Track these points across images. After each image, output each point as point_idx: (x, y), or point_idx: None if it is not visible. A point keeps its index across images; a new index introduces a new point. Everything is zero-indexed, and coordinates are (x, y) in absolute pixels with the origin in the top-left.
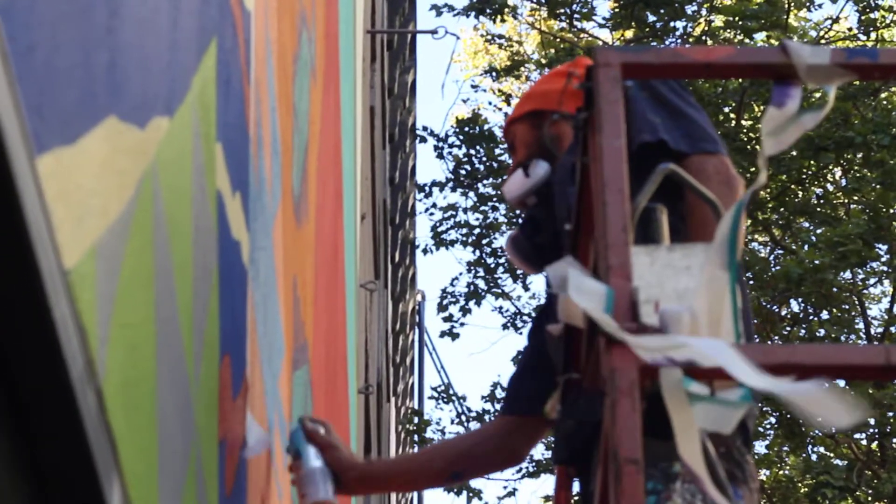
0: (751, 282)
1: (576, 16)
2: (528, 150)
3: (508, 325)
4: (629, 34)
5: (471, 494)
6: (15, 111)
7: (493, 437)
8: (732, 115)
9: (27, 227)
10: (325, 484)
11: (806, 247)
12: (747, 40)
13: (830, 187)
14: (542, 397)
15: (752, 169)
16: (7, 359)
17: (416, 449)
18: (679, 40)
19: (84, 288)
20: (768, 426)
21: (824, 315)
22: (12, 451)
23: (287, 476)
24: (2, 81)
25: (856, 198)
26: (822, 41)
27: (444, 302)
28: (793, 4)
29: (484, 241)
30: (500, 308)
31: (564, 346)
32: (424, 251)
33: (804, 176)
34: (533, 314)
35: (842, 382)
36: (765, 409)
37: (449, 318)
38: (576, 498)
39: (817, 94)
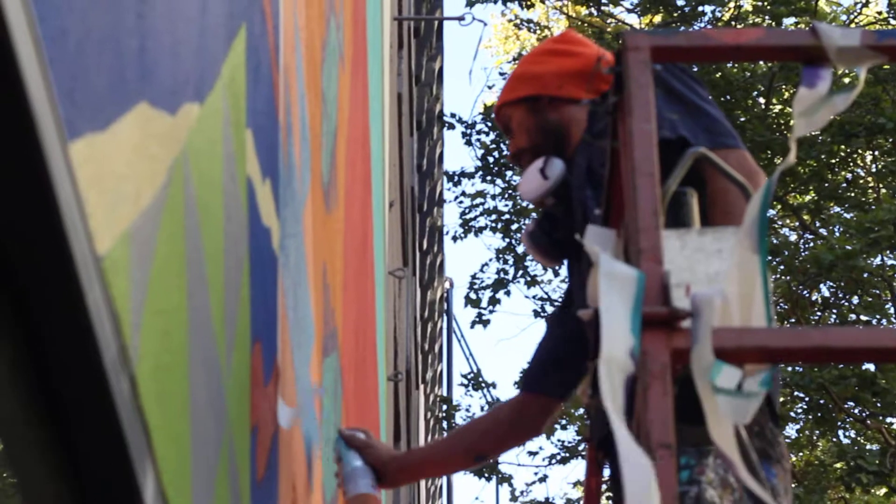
0: (780, 267)
1: (604, 1)
2: (529, 137)
3: (540, 311)
4: (657, 19)
5: (500, 479)
6: (47, 96)
7: (509, 417)
8: (762, 100)
9: (60, 212)
10: (363, 479)
11: (837, 232)
12: (776, 25)
13: (861, 172)
14: (565, 383)
15: (781, 148)
16: (41, 345)
17: (445, 435)
18: (708, 25)
19: (117, 274)
20: (799, 410)
21: (855, 300)
22: (46, 437)
23: (319, 466)
24: (34, 66)
25: (886, 182)
26: (852, 25)
27: (472, 294)
28: None
29: (513, 228)
30: (534, 297)
31: (595, 330)
32: (454, 238)
33: (834, 161)
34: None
35: (871, 366)
36: (796, 393)
37: (476, 303)
38: (606, 482)
39: (846, 80)
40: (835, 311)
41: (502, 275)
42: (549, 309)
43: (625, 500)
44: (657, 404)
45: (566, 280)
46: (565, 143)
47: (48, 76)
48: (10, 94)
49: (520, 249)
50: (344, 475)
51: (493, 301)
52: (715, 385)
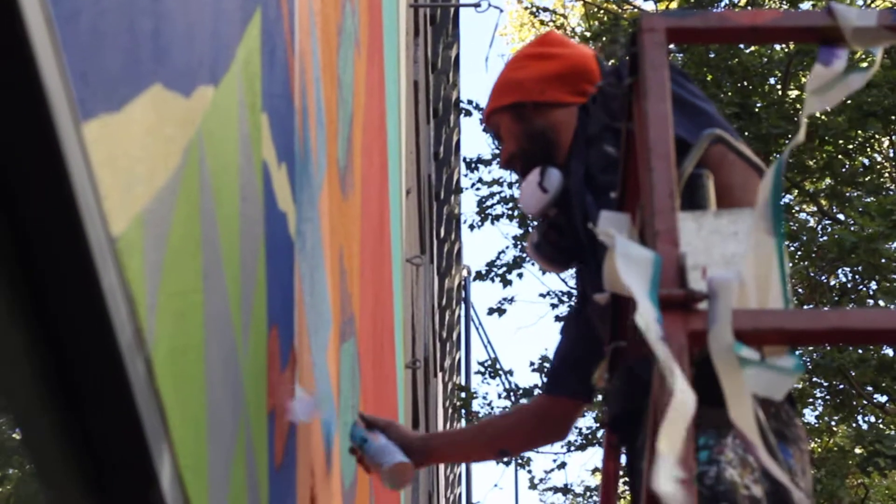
0: (798, 252)
1: None
2: (518, 143)
3: (553, 300)
4: (674, 5)
5: (519, 463)
6: (60, 76)
7: (534, 416)
8: (778, 86)
9: (74, 193)
10: (398, 451)
11: (856, 215)
12: (793, 9)
13: (878, 157)
14: (585, 384)
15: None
16: (56, 327)
17: (463, 423)
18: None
19: (132, 256)
20: (818, 395)
21: (873, 286)
22: (63, 419)
23: (337, 452)
24: (47, 46)
25: None
26: (870, 7)
27: (486, 273)
28: None
29: (530, 216)
30: (549, 292)
31: (611, 314)
32: (471, 227)
33: (850, 146)
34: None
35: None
36: (814, 379)
37: (503, 300)
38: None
39: (864, 64)
40: (853, 296)
41: (516, 261)
42: (566, 299)
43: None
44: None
45: (576, 283)
46: (555, 147)
47: (61, 56)
48: (23, 73)
49: None
50: (374, 450)
51: (505, 281)
52: (743, 359)
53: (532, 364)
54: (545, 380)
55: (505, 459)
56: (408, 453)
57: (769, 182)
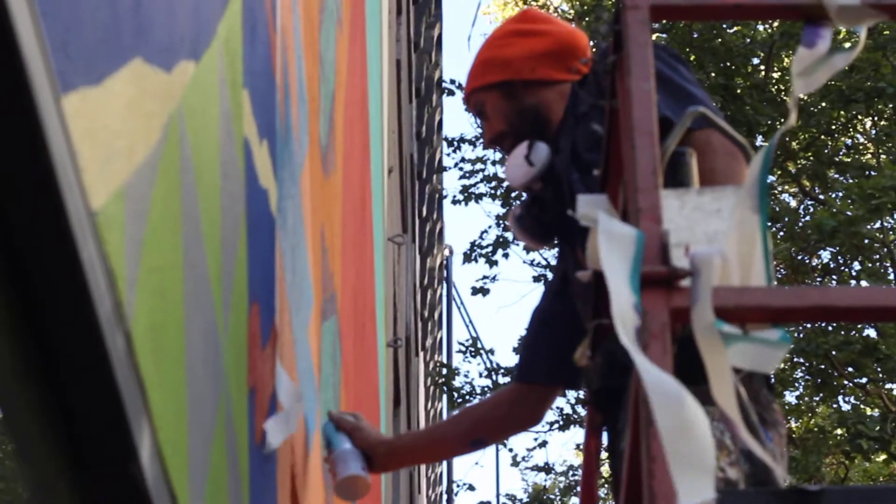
0: (781, 232)
1: None
2: (508, 121)
3: (540, 277)
4: None
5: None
6: (40, 48)
7: (507, 404)
8: (762, 66)
9: (53, 166)
10: (354, 461)
11: (838, 198)
12: None
13: (860, 138)
14: (556, 366)
15: (782, 119)
16: (36, 301)
17: (444, 401)
18: None
19: (112, 230)
20: (798, 375)
21: (856, 266)
22: (42, 394)
23: (317, 431)
24: (26, 18)
25: (885, 148)
26: None
27: (472, 254)
28: None
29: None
30: (532, 261)
31: (594, 292)
32: (454, 201)
33: (833, 127)
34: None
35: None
36: (795, 359)
37: (483, 278)
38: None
39: (847, 45)
40: (835, 276)
41: (500, 240)
42: (550, 275)
43: (660, 436)
44: (657, 364)
45: (556, 264)
46: (546, 125)
47: (40, 28)
48: (2, 45)
49: None
50: (333, 457)
51: (491, 262)
52: (727, 334)
53: (515, 349)
54: (516, 368)
55: (478, 450)
56: (372, 459)
57: (758, 164)
